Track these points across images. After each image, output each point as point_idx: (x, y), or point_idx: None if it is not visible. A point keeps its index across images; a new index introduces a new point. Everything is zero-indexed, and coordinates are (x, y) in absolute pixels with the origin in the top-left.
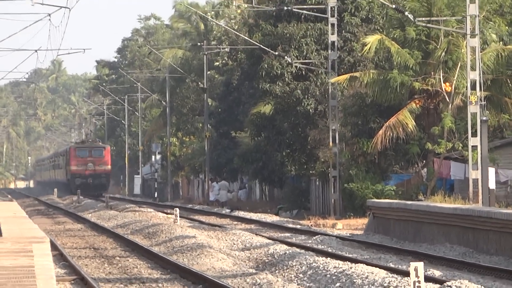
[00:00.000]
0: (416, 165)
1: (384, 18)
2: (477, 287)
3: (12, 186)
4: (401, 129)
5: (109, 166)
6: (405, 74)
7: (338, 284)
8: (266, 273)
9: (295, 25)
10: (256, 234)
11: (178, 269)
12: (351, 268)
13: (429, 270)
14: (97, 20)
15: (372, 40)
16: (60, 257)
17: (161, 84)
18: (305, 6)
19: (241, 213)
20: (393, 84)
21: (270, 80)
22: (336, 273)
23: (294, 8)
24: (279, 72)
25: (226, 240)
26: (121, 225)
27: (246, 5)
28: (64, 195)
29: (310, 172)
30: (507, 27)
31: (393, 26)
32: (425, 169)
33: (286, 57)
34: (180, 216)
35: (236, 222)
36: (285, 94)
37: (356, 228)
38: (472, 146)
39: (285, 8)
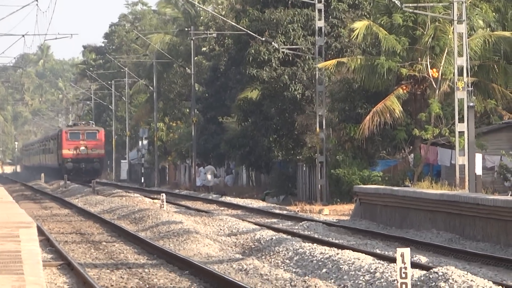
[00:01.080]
0: (403, 151)
1: (371, 4)
2: (463, 273)
3: None
4: (388, 115)
5: (103, 150)
6: (392, 60)
7: (324, 270)
8: (252, 259)
9: (282, 10)
10: (243, 220)
11: (164, 255)
12: (337, 254)
13: (415, 256)
14: (84, 5)
15: (360, 25)
16: (46, 242)
17: (148, 70)
18: None
19: (228, 199)
20: (380, 70)
21: (257, 66)
22: (322, 259)
23: None
24: (266, 57)
25: (212, 225)
26: (108, 210)
27: None
28: (54, 180)
29: (297, 157)
30: (494, 13)
31: (380, 12)
32: (412, 155)
33: (273, 42)
34: (166, 202)
35: (222, 208)
36: (272, 80)
37: (343, 214)
38: (459, 132)
39: None
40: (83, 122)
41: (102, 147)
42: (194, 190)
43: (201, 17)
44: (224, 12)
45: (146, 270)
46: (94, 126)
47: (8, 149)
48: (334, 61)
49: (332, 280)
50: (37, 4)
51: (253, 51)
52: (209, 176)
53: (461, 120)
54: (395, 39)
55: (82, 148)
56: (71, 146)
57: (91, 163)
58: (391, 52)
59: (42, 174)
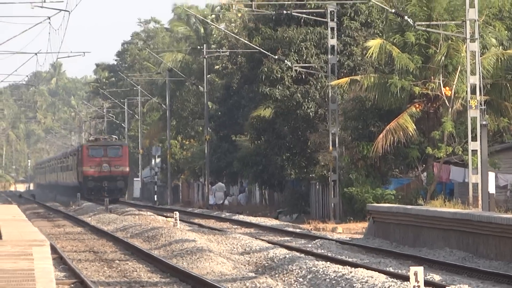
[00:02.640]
0: (416, 169)
1: (384, 22)
2: None
3: (12, 188)
4: (401, 133)
5: (127, 168)
6: (405, 78)
7: None
8: (265, 277)
9: (295, 29)
10: (256, 238)
11: (177, 273)
12: (350, 272)
13: (428, 275)
14: (97, 23)
15: (374, 44)
16: (59, 261)
17: (161, 88)
18: (304, 10)
19: (241, 217)
20: (393, 88)
21: (270, 84)
22: (335, 277)
23: (293, 12)
24: (279, 75)
25: (226, 244)
26: (121, 229)
27: (246, 9)
28: (73, 200)
29: (310, 176)
30: (506, 32)
31: (393, 31)
32: (425, 173)
33: (286, 60)
34: (179, 220)
35: (236, 226)
36: (285, 98)
37: (356, 232)
38: (472, 150)
39: (285, 12)
40: (106, 137)
41: (126, 164)
42: (207, 208)
43: (214, 35)
44: (236, 30)
45: None
46: (117, 140)
47: (21, 167)
48: (347, 79)
49: None
50: (49, 22)
51: (266, 69)
52: (219, 194)
53: (474, 138)
54: (408, 57)
55: (105, 165)
56: (93, 163)
57: (114, 182)
58: (404, 71)
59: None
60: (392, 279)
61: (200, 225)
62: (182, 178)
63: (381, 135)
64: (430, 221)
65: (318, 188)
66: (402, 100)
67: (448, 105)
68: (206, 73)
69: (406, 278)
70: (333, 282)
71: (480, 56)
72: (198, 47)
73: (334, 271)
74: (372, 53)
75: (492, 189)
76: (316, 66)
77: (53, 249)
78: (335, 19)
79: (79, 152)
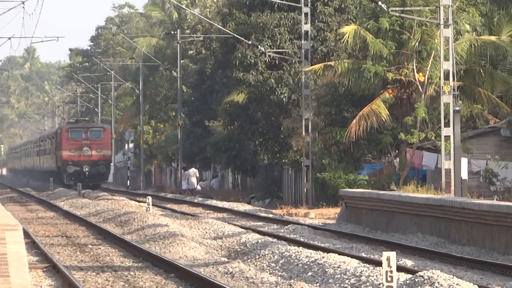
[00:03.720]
0: (388, 155)
1: (358, 8)
2: (449, 277)
3: None
4: (374, 119)
5: (110, 151)
6: (379, 64)
7: (310, 274)
8: (238, 262)
9: (269, 14)
10: (229, 223)
11: (150, 257)
12: (323, 257)
13: (401, 260)
14: (70, 8)
15: (348, 30)
16: (32, 245)
17: (134, 73)
18: None
19: (214, 202)
20: (366, 74)
21: (243, 69)
22: (308, 263)
23: None
24: (253, 61)
25: (198, 228)
26: (94, 213)
27: None
28: (50, 186)
29: (283, 161)
30: (480, 18)
31: (367, 16)
32: (398, 159)
33: (259, 46)
34: (152, 205)
35: (208, 211)
36: (259, 83)
37: (329, 218)
38: (445, 136)
39: None
40: (86, 118)
41: (108, 147)
42: (180, 193)
43: (188, 20)
44: (210, 16)
45: (132, 273)
46: (98, 122)
47: None
48: (321, 65)
49: (318, 284)
50: (23, 7)
51: (239, 54)
52: (192, 179)
53: (447, 124)
54: (381, 43)
55: (85, 148)
56: (73, 147)
57: (95, 166)
58: (377, 56)
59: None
60: (365, 264)
61: (173, 210)
62: (155, 163)
63: (354, 121)
64: (403, 207)
65: (290, 173)
66: (375, 85)
67: (421, 90)
68: (180, 58)
69: (378, 263)
70: (306, 267)
71: (454, 42)
72: (172, 32)
73: (307, 256)
74: (347, 39)
75: (464, 175)
76: (290, 52)
77: (26, 234)
78: (309, 5)
79: (57, 135)
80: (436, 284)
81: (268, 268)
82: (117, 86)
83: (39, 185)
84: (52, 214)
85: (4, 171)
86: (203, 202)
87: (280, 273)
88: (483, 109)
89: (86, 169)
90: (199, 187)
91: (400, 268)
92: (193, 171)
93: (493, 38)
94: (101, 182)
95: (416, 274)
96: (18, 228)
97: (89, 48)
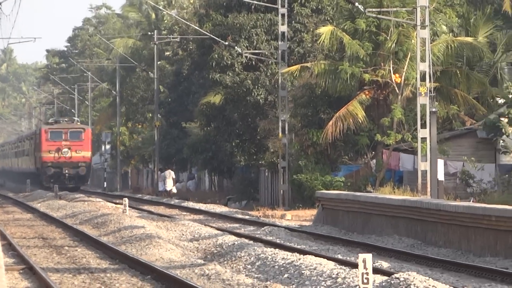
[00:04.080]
0: (365, 156)
1: (334, 9)
2: (425, 279)
3: None
4: (351, 120)
5: (90, 153)
6: (356, 65)
7: (286, 275)
8: (214, 264)
9: (245, 15)
10: (205, 225)
11: (126, 259)
12: (299, 259)
13: (377, 262)
14: (48, 9)
15: (325, 31)
16: (8, 247)
17: (111, 74)
18: None
19: (190, 204)
20: (343, 75)
21: (220, 70)
22: (284, 264)
23: None
24: (229, 62)
25: (175, 230)
26: (70, 215)
27: None
28: (27, 188)
29: (260, 162)
30: (457, 19)
31: (343, 17)
32: (374, 160)
33: (236, 47)
34: (129, 206)
35: (185, 213)
36: (235, 84)
37: (305, 219)
38: (421, 137)
39: None
40: (66, 119)
41: (88, 148)
42: (156, 195)
43: (165, 21)
44: (187, 17)
45: (108, 274)
46: (79, 123)
47: None
48: (297, 67)
49: (294, 286)
50: (0, 8)
51: (216, 55)
52: (168, 181)
53: (423, 125)
54: (358, 44)
55: (65, 150)
56: (52, 148)
57: (75, 168)
58: (354, 57)
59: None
60: (341, 266)
61: (150, 212)
62: (132, 165)
63: (330, 122)
64: (379, 208)
65: (267, 175)
66: (352, 87)
67: (398, 92)
68: (157, 59)
69: (354, 265)
70: (282, 269)
71: (431, 43)
72: (149, 33)
73: (283, 258)
74: (323, 40)
75: (441, 176)
76: (267, 53)
77: (2, 236)
78: (286, 6)
79: (36, 136)
80: (412, 286)
81: (245, 270)
82: (93, 87)
83: (16, 187)
84: (29, 216)
85: None
86: (180, 204)
87: (256, 275)
88: (460, 110)
89: (66, 171)
90: (175, 189)
91: (376, 270)
92: (169, 172)
93: (469, 39)
94: (81, 184)
95: (392, 276)
96: None
97: (66, 49)
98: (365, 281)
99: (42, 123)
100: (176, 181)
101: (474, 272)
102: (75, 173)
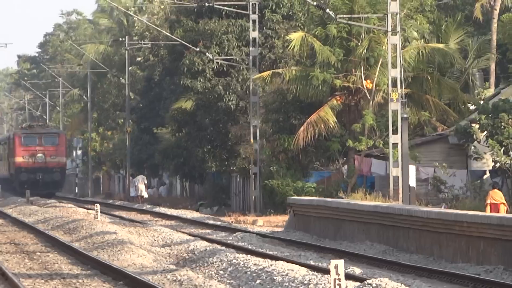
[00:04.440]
0: (337, 162)
1: (306, 15)
2: (397, 285)
3: None
4: (322, 126)
5: (64, 158)
6: (327, 71)
7: (258, 281)
8: (186, 270)
9: (217, 21)
10: (177, 231)
11: (98, 265)
12: (271, 265)
13: (349, 268)
14: (18, 14)
15: (295, 37)
16: None
17: (82, 79)
18: (226, 3)
19: (162, 209)
20: (314, 81)
21: (191, 76)
22: (256, 270)
23: (215, 4)
24: (201, 68)
25: (146, 236)
26: (42, 221)
27: (168, 1)
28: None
29: (231, 168)
30: (428, 25)
31: (315, 23)
32: (346, 166)
33: (207, 53)
34: (100, 212)
35: (156, 218)
36: (207, 90)
37: (277, 225)
38: (392, 143)
39: (206, 4)
40: (40, 124)
41: (63, 154)
42: (128, 201)
43: (136, 27)
44: (158, 22)
45: (80, 280)
46: (53, 128)
47: None
48: (269, 73)
49: None
50: None
51: (187, 61)
52: (140, 186)
53: (395, 131)
54: (329, 50)
55: (39, 155)
56: (26, 153)
57: (50, 174)
58: (325, 63)
59: None
60: (313, 272)
61: (121, 217)
62: (103, 170)
63: (302, 128)
64: (351, 214)
65: (239, 180)
66: (323, 92)
67: (369, 98)
68: (128, 65)
69: (326, 271)
70: (254, 275)
71: (402, 49)
72: (120, 39)
73: (255, 264)
74: (294, 46)
75: (412, 182)
76: (238, 59)
77: None
78: (257, 12)
79: (10, 141)
80: None
81: (217, 276)
82: (65, 93)
83: None
84: (0, 221)
85: None
86: (152, 210)
87: (228, 281)
88: (431, 116)
89: (40, 176)
90: (146, 194)
91: (348, 276)
92: (141, 177)
93: (440, 45)
94: (56, 190)
95: (365, 282)
96: None
97: (37, 54)
98: (337, 287)
99: (16, 128)
100: (147, 186)
101: (446, 278)
102: (49, 178)
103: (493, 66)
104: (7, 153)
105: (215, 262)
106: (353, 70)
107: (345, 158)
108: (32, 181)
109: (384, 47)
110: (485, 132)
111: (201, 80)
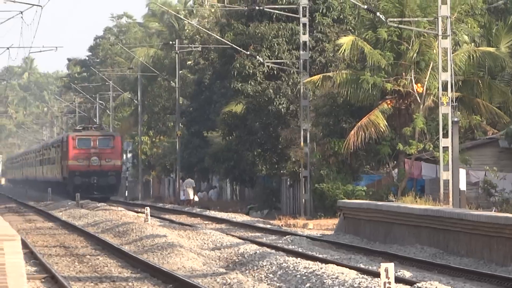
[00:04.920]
0: (387, 166)
1: (356, 18)
2: None
3: None
4: (372, 129)
5: (120, 161)
6: (377, 75)
7: (308, 285)
8: (236, 273)
9: (267, 24)
10: (227, 234)
11: (148, 268)
12: (321, 268)
13: (399, 271)
14: (69, 18)
15: (346, 41)
16: (30, 255)
17: (132, 83)
18: (276, 6)
19: (212, 213)
20: (365, 85)
21: (241, 80)
22: (306, 273)
23: (265, 8)
24: (251, 71)
25: (196, 239)
26: (92, 224)
27: (218, 4)
28: (48, 197)
29: (281, 172)
30: (479, 29)
31: (365, 27)
32: (396, 170)
33: (258, 56)
34: (150, 215)
35: (206, 222)
36: (257, 94)
37: (327, 229)
38: (443, 147)
39: (257, 7)
40: (94, 125)
41: (118, 157)
42: (178, 204)
43: (186, 31)
44: (209, 26)
45: (130, 283)
46: (108, 130)
47: None
48: (319, 76)
49: None
50: (22, 17)
51: (237, 65)
52: (188, 190)
53: (445, 135)
54: (380, 54)
55: (94, 158)
56: (81, 156)
57: (105, 177)
58: (376, 67)
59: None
60: (363, 275)
61: (171, 221)
62: (153, 174)
63: (352, 132)
64: (401, 218)
65: (289, 184)
66: (373, 96)
67: (419, 101)
68: (178, 69)
69: (376, 275)
70: (304, 278)
71: (452, 53)
72: (171, 42)
73: (305, 267)
74: (344, 50)
75: (463, 186)
76: (288, 62)
77: (24, 244)
78: (307, 15)
79: (63, 143)
80: None
81: (266, 279)
82: (115, 96)
83: (41, 196)
84: (50, 224)
85: (3, 182)
86: (201, 213)
87: (278, 284)
88: (482, 120)
89: (95, 180)
90: (196, 198)
91: (398, 280)
92: (189, 181)
93: (491, 49)
94: (111, 194)
95: (415, 285)
96: (16, 238)
97: (87, 58)
98: None
99: (68, 130)
100: (196, 190)
101: (497, 281)
102: (104, 182)
103: None
104: (60, 156)
105: (265, 265)
106: (404, 73)
107: (395, 162)
108: (86, 185)
109: (434, 50)
110: None
111: (252, 83)
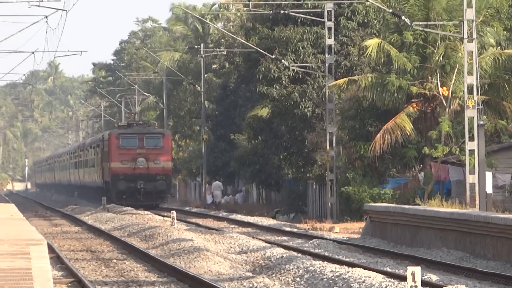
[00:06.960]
0: (413, 169)
1: (381, 22)
2: None
3: (9, 187)
4: (398, 133)
5: (171, 163)
6: (403, 78)
7: None
8: (263, 277)
9: (292, 28)
10: (253, 238)
11: (175, 272)
12: (348, 272)
13: (426, 275)
14: (94, 22)
15: (372, 43)
16: (57, 260)
17: (158, 87)
18: (301, 10)
19: (238, 216)
20: (390, 88)
21: (267, 83)
22: (333, 277)
23: (291, 12)
24: (276, 75)
25: (223, 243)
26: (118, 228)
27: (243, 8)
28: (74, 201)
29: (307, 175)
30: (504, 32)
31: (390, 30)
32: (422, 173)
33: (283, 60)
34: (177, 219)
35: (233, 225)
36: (283, 97)
37: (353, 232)
38: (469, 150)
39: (282, 11)
40: (141, 122)
41: (169, 158)
42: (204, 208)
43: (211, 35)
44: (234, 30)
45: (157, 287)
46: (156, 127)
47: (18, 166)
48: (344, 80)
49: None
50: (46, 21)
51: (263, 68)
52: (216, 192)
53: (471, 138)
54: (405, 57)
55: (141, 159)
56: (125, 157)
57: (153, 182)
58: (401, 70)
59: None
60: (390, 279)
61: (197, 225)
62: (179, 178)
63: (378, 135)
64: (428, 221)
65: (315, 187)
66: (399, 99)
67: (445, 105)
68: (204, 72)
69: (403, 278)
70: (330, 281)
71: (478, 56)
72: (196, 46)
73: (331, 271)
74: (370, 53)
75: (489, 189)
76: (313, 66)
77: (50, 248)
78: (332, 19)
79: (104, 143)
80: None
81: (293, 283)
82: (141, 100)
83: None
84: (76, 228)
85: (29, 186)
86: (228, 217)
87: None
88: (508, 123)
89: (142, 185)
90: (223, 200)
91: (425, 283)
92: (217, 184)
93: None
94: (160, 201)
95: None
96: (43, 243)
97: (112, 62)
98: None
99: (115, 126)
100: (223, 193)
101: None
102: (152, 187)
103: None
104: (100, 157)
105: (292, 269)
106: (429, 77)
107: (421, 165)
108: (132, 191)
109: (460, 54)
110: None
111: (277, 87)
